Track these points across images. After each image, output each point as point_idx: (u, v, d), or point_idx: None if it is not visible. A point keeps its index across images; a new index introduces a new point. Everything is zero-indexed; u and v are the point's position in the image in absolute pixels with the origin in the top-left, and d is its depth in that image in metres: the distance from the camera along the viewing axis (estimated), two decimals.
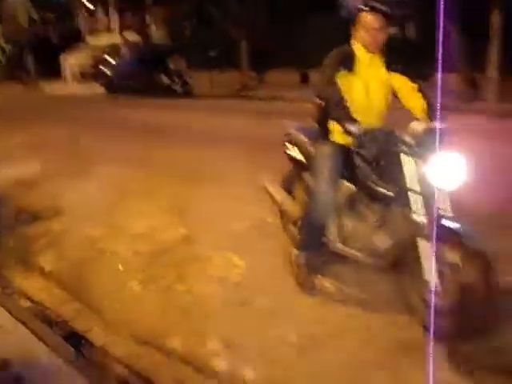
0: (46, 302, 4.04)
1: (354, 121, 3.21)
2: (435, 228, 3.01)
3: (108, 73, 21.80)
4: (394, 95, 3.67)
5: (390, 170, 3.31)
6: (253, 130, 10.55)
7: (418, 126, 3.18)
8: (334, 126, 3.54)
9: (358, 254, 3.62)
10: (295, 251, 3.99)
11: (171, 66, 20.87)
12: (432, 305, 3.03)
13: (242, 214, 5.34)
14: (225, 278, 4.11)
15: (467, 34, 13.04)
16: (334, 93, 3.39)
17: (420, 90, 3.54)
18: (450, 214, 3.10)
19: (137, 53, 22.29)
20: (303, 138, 4.08)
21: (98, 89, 21.94)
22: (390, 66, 3.58)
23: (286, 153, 4.29)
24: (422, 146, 3.09)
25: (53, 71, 27.62)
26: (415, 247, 3.16)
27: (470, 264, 2.98)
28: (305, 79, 22.53)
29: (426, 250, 3.09)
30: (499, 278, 2.92)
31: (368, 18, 3.44)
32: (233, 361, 3.11)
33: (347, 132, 3.20)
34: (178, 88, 19.63)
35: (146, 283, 4.15)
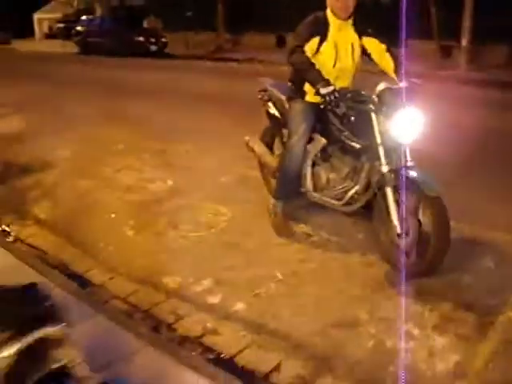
0: (44, 247, 4.28)
1: (325, 82, 3.50)
2: (399, 177, 3.40)
3: (81, 31, 21.56)
4: (368, 57, 3.98)
5: (360, 126, 3.65)
6: (230, 91, 10.79)
7: (382, 87, 3.54)
8: (307, 87, 3.84)
9: (332, 201, 4.00)
10: (272, 200, 4.34)
11: (146, 26, 20.76)
12: (399, 246, 3.45)
13: (226, 169, 5.65)
14: (212, 225, 4.42)
15: (441, 2, 13.33)
16: (304, 59, 3.66)
17: (388, 50, 3.87)
18: (412, 164, 3.47)
19: (111, 12, 22.05)
20: (279, 95, 4.36)
21: (71, 47, 21.69)
22: (361, 30, 3.87)
23: (266, 110, 4.59)
24: (386, 104, 3.46)
25: (27, 30, 27.19)
26: (383, 195, 3.52)
27: (426, 208, 3.37)
28: (280, 42, 22.59)
29: (392, 197, 3.46)
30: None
31: None
32: (225, 296, 3.44)
33: (319, 93, 3.50)
34: (153, 47, 19.60)
35: (139, 229, 4.44)
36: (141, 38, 19.29)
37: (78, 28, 21.56)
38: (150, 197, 5.08)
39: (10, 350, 1.35)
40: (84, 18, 22.25)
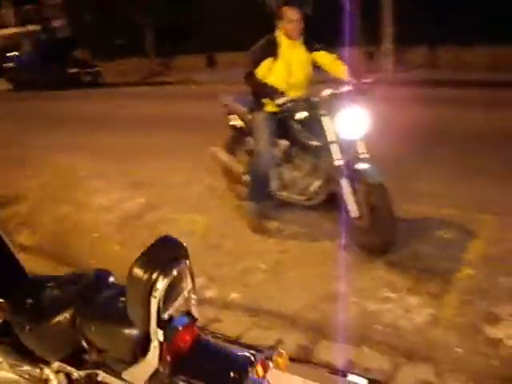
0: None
1: (280, 94, 4.06)
2: (349, 169, 3.97)
3: (11, 67, 21.37)
4: (321, 69, 4.52)
5: (315, 128, 4.17)
6: (173, 111, 11.18)
7: (328, 92, 4.11)
8: (266, 100, 4.35)
9: (297, 197, 4.50)
10: (245, 203, 4.77)
11: (78, 57, 20.82)
12: (357, 227, 4.02)
13: (192, 181, 6.04)
14: (193, 232, 4.80)
15: (360, 10, 14.19)
16: (257, 81, 4.25)
17: (338, 59, 4.45)
18: (362, 157, 4.02)
19: (40, 46, 21.95)
20: (241, 108, 4.84)
21: (4, 85, 21.45)
22: (311, 46, 4.44)
23: (228, 123, 5.04)
24: (333, 107, 4.01)
25: None
26: (339, 186, 4.03)
27: (372, 194, 3.91)
28: (211, 62, 23.16)
29: (347, 187, 3.99)
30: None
31: (288, 12, 4.24)
32: (219, 289, 3.83)
33: (277, 104, 4.05)
34: (86, 78, 19.68)
35: (124, 243, 4.76)
36: (74, 70, 19.33)
37: (8, 65, 21.36)
38: (127, 214, 5.39)
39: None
40: (11, 54, 22.07)
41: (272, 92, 4.12)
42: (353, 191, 3.99)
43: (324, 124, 4.05)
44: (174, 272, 1.71)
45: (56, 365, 1.94)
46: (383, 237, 3.93)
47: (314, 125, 4.15)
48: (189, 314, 1.79)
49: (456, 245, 4.05)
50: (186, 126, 9.00)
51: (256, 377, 1.67)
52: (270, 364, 1.70)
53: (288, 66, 4.32)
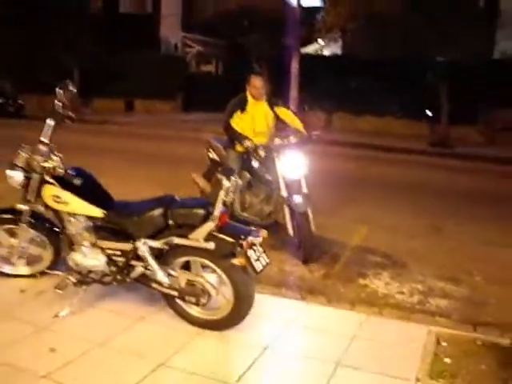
0: None
1: (247, 139, 5.44)
2: (290, 200, 5.23)
3: None
4: (282, 122, 5.88)
5: (269, 167, 5.49)
6: (104, 145, 12.67)
7: (278, 142, 5.53)
8: (236, 143, 5.70)
9: (254, 218, 5.71)
10: None
11: (2, 88, 21.63)
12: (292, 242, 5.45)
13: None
14: None
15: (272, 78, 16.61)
16: (231, 130, 5.63)
17: (294, 114, 5.89)
18: (305, 191, 5.31)
19: None
20: (218, 145, 6.16)
21: None
22: (273, 103, 5.82)
23: (207, 156, 6.35)
24: (280, 151, 5.37)
25: None
26: (283, 211, 5.39)
27: (300, 220, 5.21)
28: (129, 106, 24.78)
29: (287, 213, 5.32)
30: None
31: (253, 80, 5.69)
32: None
33: (244, 147, 5.50)
34: (10, 109, 20.52)
35: None
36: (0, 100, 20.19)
37: None
38: None
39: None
40: None
41: (240, 138, 5.51)
42: (290, 216, 5.28)
43: (276, 164, 5.34)
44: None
45: (143, 240, 3.54)
46: (306, 251, 5.25)
47: (269, 164, 5.49)
48: (226, 206, 3.47)
49: (343, 239, 6.00)
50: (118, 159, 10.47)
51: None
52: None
53: (253, 118, 5.71)
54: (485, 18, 16.00)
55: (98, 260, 3.75)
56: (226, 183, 3.30)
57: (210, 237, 3.38)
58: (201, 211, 3.42)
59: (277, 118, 5.88)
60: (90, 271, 3.84)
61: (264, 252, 3.50)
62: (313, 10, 20.47)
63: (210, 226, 3.36)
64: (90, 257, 3.77)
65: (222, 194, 3.30)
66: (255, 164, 5.64)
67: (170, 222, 3.49)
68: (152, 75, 23.41)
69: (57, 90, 3.96)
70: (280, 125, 6.01)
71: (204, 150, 6.47)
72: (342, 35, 18.12)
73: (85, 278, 3.83)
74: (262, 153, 5.40)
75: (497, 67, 17.59)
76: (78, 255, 3.79)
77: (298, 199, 5.18)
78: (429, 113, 17.56)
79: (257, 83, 5.68)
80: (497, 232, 6.74)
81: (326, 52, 25.10)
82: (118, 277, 3.74)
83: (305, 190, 5.33)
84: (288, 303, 4.27)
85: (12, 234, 4.24)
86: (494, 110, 16.77)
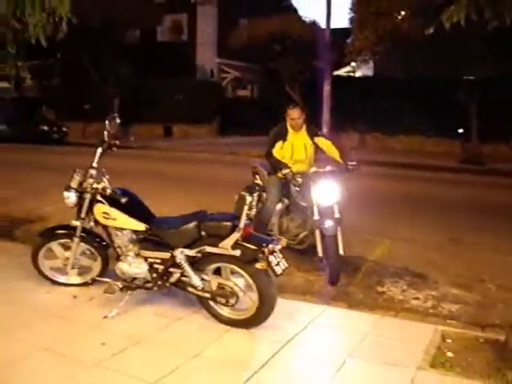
0: None
1: (285, 166, 5.73)
2: (320, 223, 5.40)
3: None
4: (321, 151, 6.14)
5: (306, 193, 5.68)
6: (147, 169, 13.39)
7: (314, 169, 5.75)
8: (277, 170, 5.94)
9: (290, 241, 5.91)
10: None
11: (47, 116, 22.87)
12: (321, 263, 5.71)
13: None
14: None
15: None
16: (272, 158, 5.98)
17: (333, 144, 6.03)
18: (338, 217, 5.41)
19: (12, 103, 23.84)
20: (263, 170, 6.38)
21: None
22: (312, 133, 6.09)
23: (253, 180, 6.61)
24: (316, 180, 5.52)
25: None
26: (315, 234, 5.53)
27: (327, 243, 5.36)
28: (168, 132, 25.72)
29: (318, 236, 5.42)
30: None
31: (290, 112, 5.95)
32: None
33: (282, 174, 5.76)
34: (55, 136, 21.67)
35: None
36: (45, 127, 21.35)
37: None
38: None
39: None
40: None
41: (279, 165, 5.82)
42: (321, 239, 5.42)
43: (311, 191, 5.53)
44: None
45: (180, 249, 4.09)
46: (331, 272, 5.39)
47: (305, 191, 5.70)
48: (250, 219, 4.00)
49: (366, 252, 6.44)
50: (161, 182, 11.17)
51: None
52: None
53: (292, 147, 6.01)
54: None
55: (141, 268, 4.34)
56: (248, 198, 3.84)
57: (236, 245, 3.91)
58: (228, 223, 3.96)
59: (316, 147, 6.16)
60: (135, 278, 4.43)
61: (283, 258, 3.99)
62: (343, 32, 21.11)
63: (236, 236, 3.89)
64: (134, 265, 4.36)
65: (245, 208, 3.83)
66: (293, 190, 6.00)
67: (203, 233, 4.06)
68: (189, 101, 24.36)
69: (106, 121, 4.58)
70: (321, 154, 6.30)
71: (249, 175, 6.77)
72: (372, 57, 18.57)
73: (130, 284, 4.42)
74: (299, 180, 5.67)
75: None
76: (124, 264, 4.40)
77: (329, 223, 5.37)
78: (460, 131, 17.84)
79: (294, 115, 5.97)
80: None
81: (358, 74, 25.62)
82: (159, 282, 4.31)
83: (337, 215, 5.48)
84: (311, 307, 4.72)
85: (66, 247, 4.88)
86: None
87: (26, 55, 22.64)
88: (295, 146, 6.05)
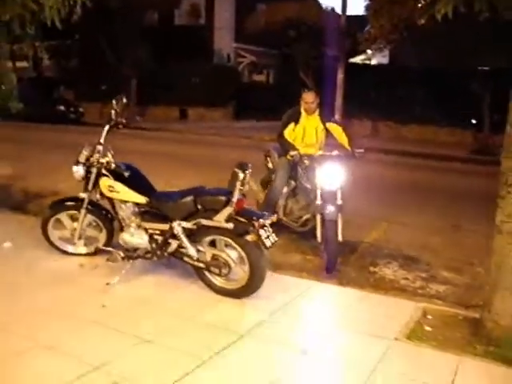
0: None
1: (293, 148, 5.89)
2: (322, 208, 5.46)
3: None
4: (332, 136, 6.29)
5: (311, 176, 5.80)
6: (157, 150, 13.66)
7: (320, 153, 5.90)
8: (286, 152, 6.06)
9: (293, 223, 6.23)
10: None
11: (64, 97, 23.22)
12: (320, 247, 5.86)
13: None
14: None
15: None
16: (283, 140, 6.15)
17: (344, 131, 6.19)
18: (339, 202, 5.50)
19: (31, 83, 24.21)
20: (274, 153, 6.54)
21: None
22: (325, 118, 6.24)
23: (265, 164, 6.71)
24: (321, 163, 5.60)
25: None
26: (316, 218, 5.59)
27: (327, 228, 5.43)
28: (183, 114, 25.96)
29: (318, 221, 5.50)
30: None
31: (305, 96, 6.10)
32: None
33: (290, 156, 5.91)
34: (72, 116, 22.04)
35: None
36: (62, 107, 21.75)
37: None
38: None
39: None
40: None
41: (288, 146, 5.99)
42: (321, 224, 5.49)
43: (316, 174, 5.61)
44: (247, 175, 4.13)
45: (178, 221, 4.36)
46: (329, 258, 5.42)
47: (311, 173, 5.83)
48: (243, 194, 4.24)
49: (363, 234, 6.65)
50: (174, 162, 11.44)
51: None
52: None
53: (304, 130, 6.17)
54: None
55: (142, 239, 4.63)
56: (240, 175, 4.08)
57: (229, 219, 4.17)
58: (222, 198, 4.21)
59: (327, 132, 6.33)
60: (136, 248, 4.71)
61: (273, 232, 4.24)
62: (358, 20, 21.10)
63: (229, 210, 4.14)
64: (136, 236, 4.66)
65: (238, 184, 4.08)
66: (300, 173, 6.16)
67: (199, 207, 4.32)
68: (205, 85, 24.56)
69: (113, 101, 4.84)
70: (331, 140, 6.41)
71: (262, 158, 6.87)
72: (386, 46, 18.57)
73: (131, 253, 4.70)
74: (306, 162, 5.83)
75: None
76: (127, 235, 4.69)
77: (330, 208, 5.43)
78: (473, 121, 17.87)
79: (308, 99, 6.12)
80: None
81: (373, 61, 25.60)
82: (158, 252, 4.59)
83: (339, 201, 5.55)
84: (303, 282, 4.97)
85: (74, 219, 5.17)
86: None
87: (43, 36, 22.94)
88: (307, 130, 6.20)
